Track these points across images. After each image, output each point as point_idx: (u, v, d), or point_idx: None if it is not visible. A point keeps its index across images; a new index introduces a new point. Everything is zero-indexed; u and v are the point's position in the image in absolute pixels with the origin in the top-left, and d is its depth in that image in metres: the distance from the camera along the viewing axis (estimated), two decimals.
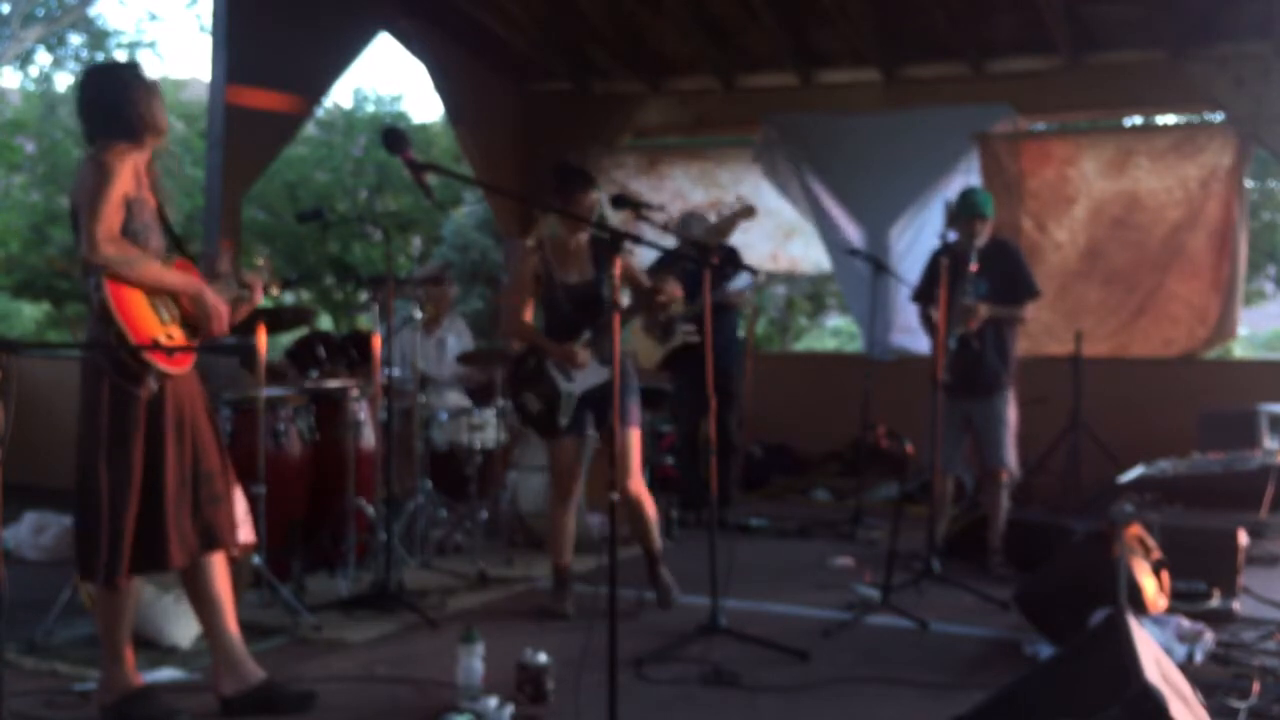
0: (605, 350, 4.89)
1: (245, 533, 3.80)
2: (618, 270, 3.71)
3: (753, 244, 8.76)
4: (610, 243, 3.74)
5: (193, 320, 3.66)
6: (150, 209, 3.62)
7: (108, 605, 3.60)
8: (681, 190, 9.59)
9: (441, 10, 8.99)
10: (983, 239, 5.84)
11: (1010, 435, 5.95)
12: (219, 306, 3.69)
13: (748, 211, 5.10)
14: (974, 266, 5.69)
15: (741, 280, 6.88)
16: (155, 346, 3.47)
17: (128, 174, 3.50)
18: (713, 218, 5.15)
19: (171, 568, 3.60)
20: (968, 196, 5.97)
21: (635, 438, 5.03)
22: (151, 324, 3.51)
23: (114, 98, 3.58)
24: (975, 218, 5.82)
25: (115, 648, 3.61)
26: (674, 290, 5.01)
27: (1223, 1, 7.65)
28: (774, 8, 8.49)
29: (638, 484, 5.08)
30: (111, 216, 3.42)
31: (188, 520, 3.60)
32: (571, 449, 5.07)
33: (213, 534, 3.69)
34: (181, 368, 3.60)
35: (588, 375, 4.98)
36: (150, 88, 3.63)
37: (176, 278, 3.62)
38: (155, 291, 3.54)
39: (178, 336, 3.59)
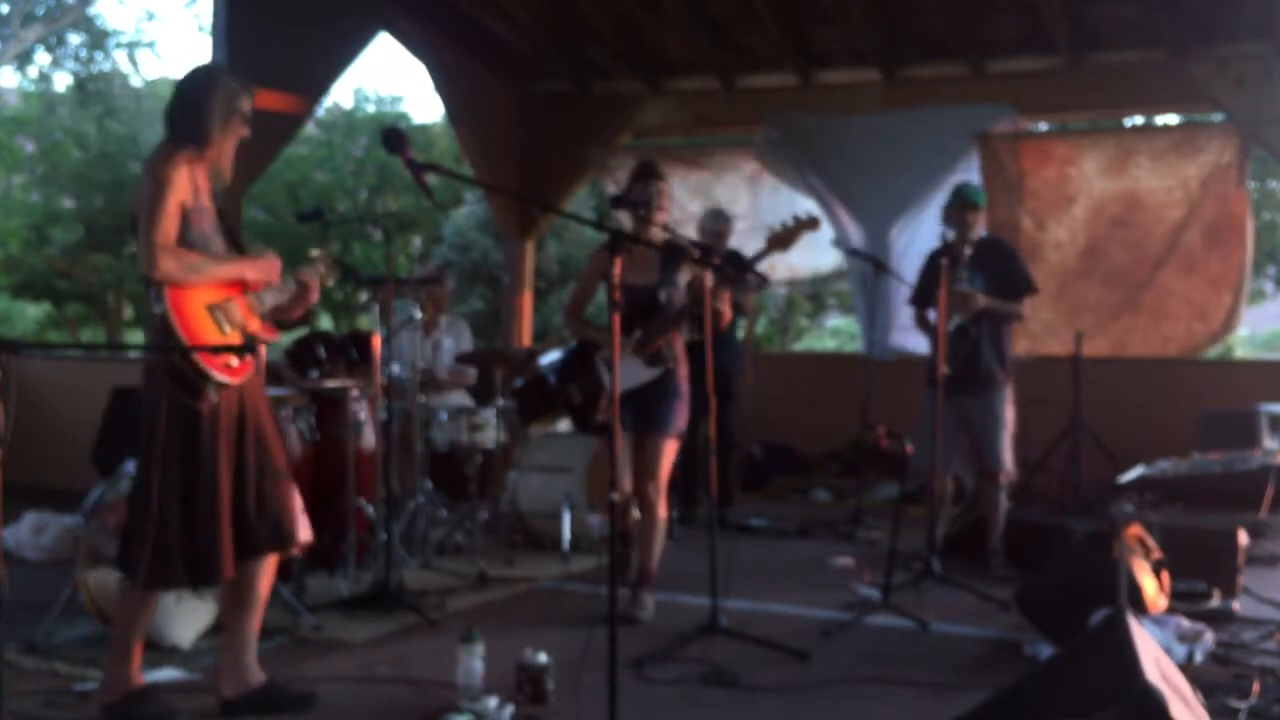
0: (653, 353, 4.89)
1: (304, 531, 3.79)
2: (617, 271, 3.70)
3: (750, 253, 8.70)
4: (611, 245, 3.72)
5: (254, 330, 3.64)
6: (210, 217, 3.59)
7: (132, 608, 3.59)
8: (677, 195, 9.57)
9: (441, 10, 8.99)
10: (976, 231, 5.89)
11: (1007, 435, 5.95)
12: (298, 277, 3.76)
13: (812, 223, 4.99)
14: (967, 254, 5.72)
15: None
16: (200, 349, 3.42)
17: (183, 183, 3.47)
18: (776, 226, 5.09)
19: (221, 581, 3.59)
20: (959, 188, 6.03)
21: (667, 447, 4.94)
22: (212, 335, 3.48)
23: (189, 105, 3.55)
24: (967, 207, 5.86)
25: (126, 648, 3.60)
26: (724, 307, 4.74)
27: (1223, 1, 7.64)
28: (774, 8, 8.48)
29: (654, 494, 4.95)
30: (167, 227, 3.41)
31: (230, 532, 3.55)
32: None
33: (281, 532, 3.68)
34: (240, 377, 3.56)
35: (630, 376, 4.82)
36: (231, 106, 3.57)
37: (238, 266, 3.61)
38: (218, 302, 3.52)
39: None
